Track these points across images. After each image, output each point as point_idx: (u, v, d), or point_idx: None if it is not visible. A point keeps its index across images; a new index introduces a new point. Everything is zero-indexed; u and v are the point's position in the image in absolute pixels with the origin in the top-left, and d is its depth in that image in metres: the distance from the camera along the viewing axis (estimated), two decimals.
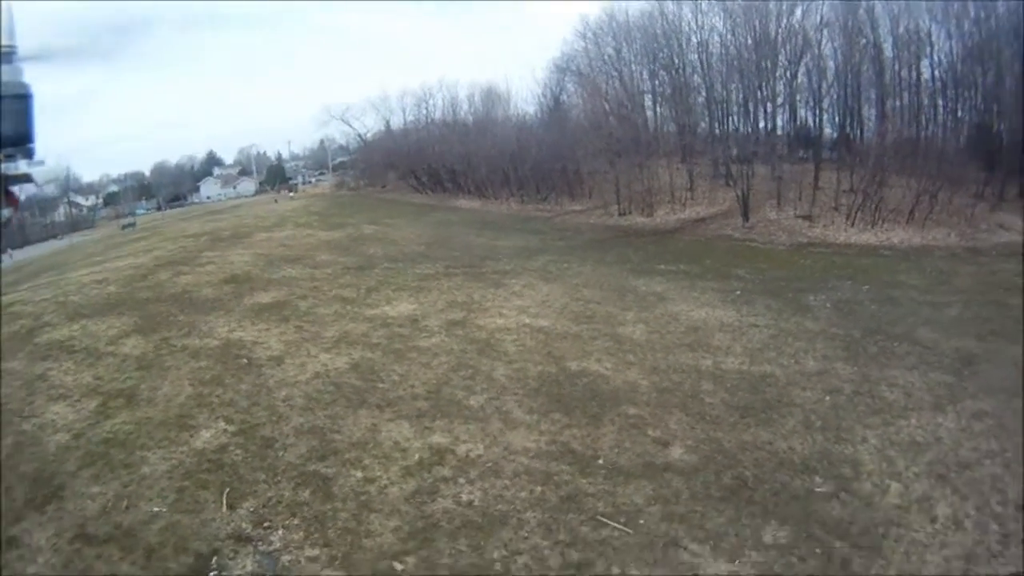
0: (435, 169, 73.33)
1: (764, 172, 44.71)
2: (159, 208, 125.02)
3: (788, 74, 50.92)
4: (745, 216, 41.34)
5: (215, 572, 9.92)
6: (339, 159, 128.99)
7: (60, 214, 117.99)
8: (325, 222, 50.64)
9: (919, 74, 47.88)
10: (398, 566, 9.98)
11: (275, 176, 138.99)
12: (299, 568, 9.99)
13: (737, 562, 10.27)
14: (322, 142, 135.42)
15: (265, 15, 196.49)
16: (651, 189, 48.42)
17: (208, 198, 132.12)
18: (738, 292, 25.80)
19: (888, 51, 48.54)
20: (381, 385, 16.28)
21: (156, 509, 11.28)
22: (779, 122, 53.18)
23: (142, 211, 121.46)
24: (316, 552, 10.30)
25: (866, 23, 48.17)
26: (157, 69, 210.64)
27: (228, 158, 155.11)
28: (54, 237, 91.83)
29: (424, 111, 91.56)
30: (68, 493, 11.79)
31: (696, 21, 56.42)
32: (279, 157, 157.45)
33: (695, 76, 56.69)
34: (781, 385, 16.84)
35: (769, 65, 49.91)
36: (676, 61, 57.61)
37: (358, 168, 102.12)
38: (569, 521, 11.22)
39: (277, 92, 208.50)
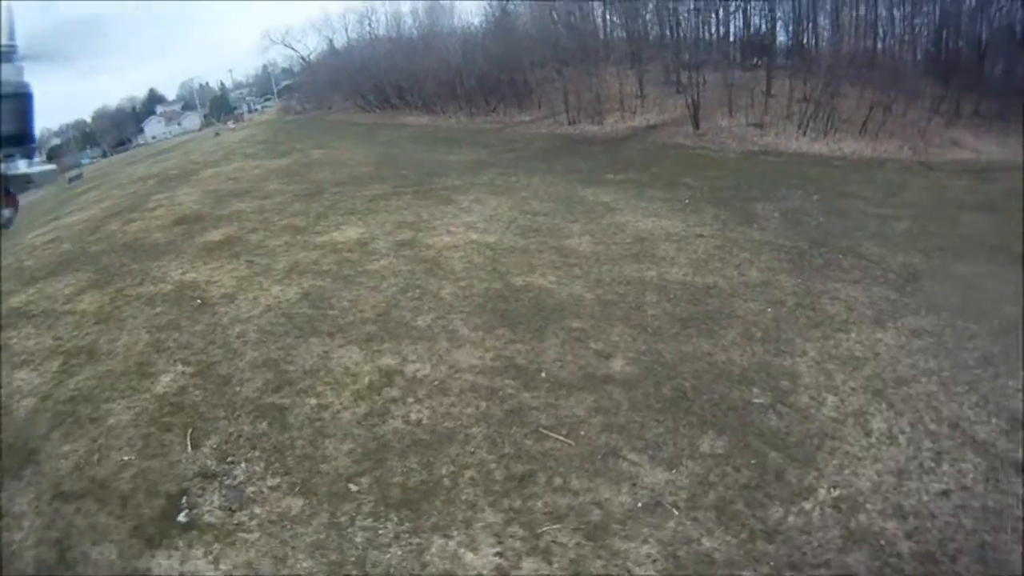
0: (381, 87, 71.18)
1: (716, 80, 44.04)
2: (104, 155, 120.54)
3: None
4: (695, 124, 40.93)
5: (186, 510, 10.39)
6: (284, 83, 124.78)
7: None
8: (272, 150, 49.43)
9: None
10: (353, 487, 10.52)
11: (219, 107, 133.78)
12: (262, 497, 10.52)
13: (674, 471, 10.75)
14: (265, 67, 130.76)
15: None
16: (600, 97, 47.54)
17: (154, 138, 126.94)
18: (686, 201, 25.81)
19: None
20: (331, 312, 16.49)
21: (126, 458, 11.64)
22: (732, 29, 52.78)
23: (88, 160, 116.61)
24: (277, 481, 10.79)
25: None
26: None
27: (170, 94, 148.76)
28: None
29: (367, 28, 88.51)
30: (42, 456, 12.05)
31: None
32: (222, 87, 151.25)
33: None
34: (724, 296, 17.09)
35: None
36: None
37: (303, 92, 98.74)
38: (513, 435, 11.67)
39: (215, 20, 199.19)
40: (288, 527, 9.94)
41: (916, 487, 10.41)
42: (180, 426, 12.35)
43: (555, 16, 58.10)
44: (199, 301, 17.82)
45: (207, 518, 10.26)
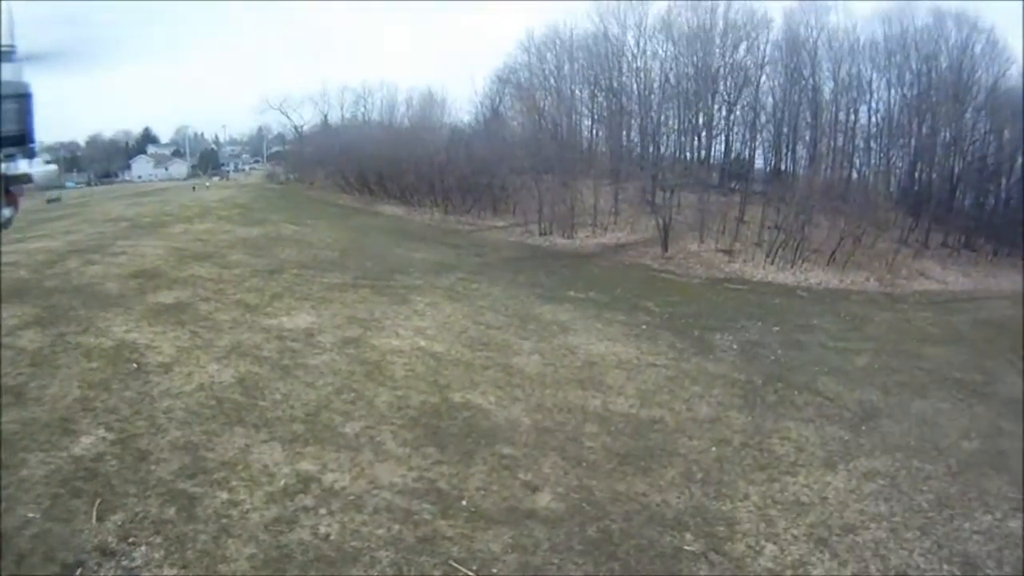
0: (363, 171, 72.15)
1: (692, 201, 45.12)
2: (89, 183, 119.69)
3: (726, 107, 52.72)
4: (664, 246, 41.41)
5: None
6: (275, 148, 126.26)
7: None
8: (246, 217, 49.42)
9: (856, 118, 50.11)
10: None
11: (208, 161, 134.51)
12: None
13: None
14: (260, 129, 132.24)
15: None
16: (575, 210, 48.29)
17: (139, 177, 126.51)
18: (643, 326, 25.69)
19: (827, 94, 50.69)
20: (262, 403, 16.41)
21: (31, 515, 11.37)
22: (713, 153, 54.75)
23: (72, 184, 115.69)
24: (174, 572, 10.58)
25: (807, 65, 50.24)
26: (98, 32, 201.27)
27: (164, 136, 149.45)
28: None
29: (362, 109, 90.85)
30: None
31: (638, 46, 57.74)
32: (216, 140, 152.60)
33: (633, 101, 57.76)
34: (668, 431, 16.81)
35: (709, 97, 51.71)
36: (615, 84, 58.75)
37: (290, 161, 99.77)
38: (422, 564, 11.36)
39: (217, 74, 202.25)
40: None
41: None
42: (90, 494, 12.09)
43: (543, 123, 60.40)
44: (135, 365, 17.66)
45: None
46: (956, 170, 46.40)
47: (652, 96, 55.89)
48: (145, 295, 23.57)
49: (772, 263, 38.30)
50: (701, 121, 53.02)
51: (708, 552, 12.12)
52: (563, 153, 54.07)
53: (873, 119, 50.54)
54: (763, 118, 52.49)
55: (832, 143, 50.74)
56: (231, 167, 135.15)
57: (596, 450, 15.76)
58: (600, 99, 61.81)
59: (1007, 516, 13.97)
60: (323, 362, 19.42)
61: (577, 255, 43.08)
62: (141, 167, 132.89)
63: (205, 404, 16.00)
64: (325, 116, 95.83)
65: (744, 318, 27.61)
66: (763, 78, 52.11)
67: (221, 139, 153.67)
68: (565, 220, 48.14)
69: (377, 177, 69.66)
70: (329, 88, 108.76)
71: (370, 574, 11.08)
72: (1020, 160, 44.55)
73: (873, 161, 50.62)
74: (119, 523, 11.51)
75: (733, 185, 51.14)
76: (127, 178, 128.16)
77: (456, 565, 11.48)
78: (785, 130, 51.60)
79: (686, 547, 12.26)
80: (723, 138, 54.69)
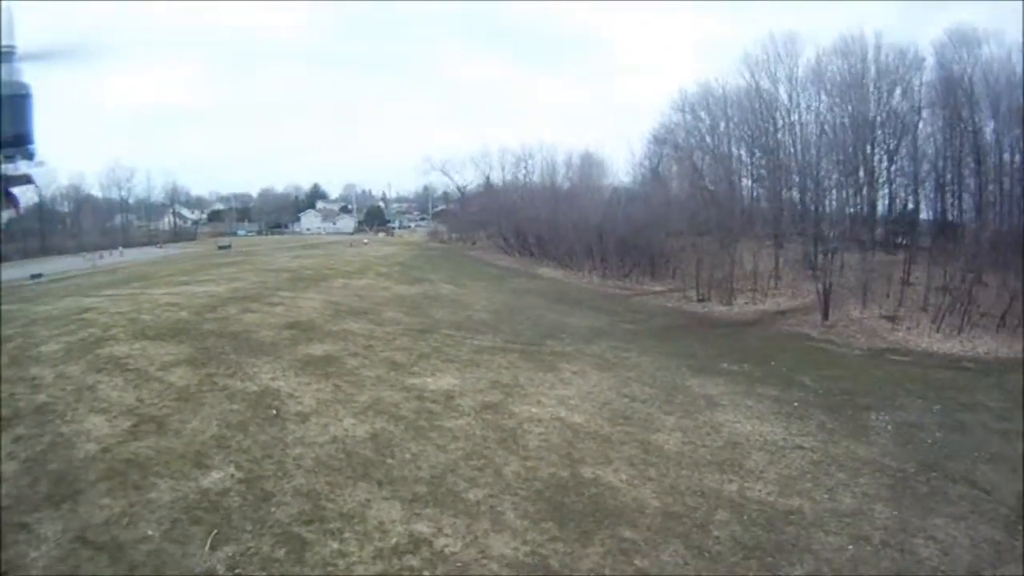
0: (523, 233, 75.50)
1: (855, 261, 43.83)
2: (259, 232, 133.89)
3: (887, 157, 51.31)
4: (825, 313, 40.41)
5: None
6: (440, 207, 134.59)
7: (165, 223, 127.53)
8: (405, 275, 52.87)
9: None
10: None
11: (374, 217, 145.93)
12: None
13: None
14: (425, 188, 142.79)
15: (380, 59, 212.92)
16: (733, 275, 48.10)
17: (307, 230, 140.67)
18: (795, 403, 25.04)
19: (988, 134, 47.55)
20: (390, 461, 17.35)
21: (150, 532, 12.97)
22: (878, 208, 53.21)
23: (243, 232, 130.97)
24: None
25: (965, 104, 47.47)
26: (269, 96, 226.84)
27: (332, 193, 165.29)
28: (155, 244, 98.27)
29: (523, 170, 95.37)
30: (83, 499, 13.74)
31: (791, 99, 57.72)
32: (384, 197, 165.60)
33: (790, 156, 57.37)
34: (804, 524, 16.18)
35: (868, 147, 50.48)
36: (770, 141, 58.81)
37: (452, 221, 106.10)
38: None
39: (384, 134, 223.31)
40: None
41: None
42: (208, 524, 13.47)
43: (701, 184, 60.92)
44: (275, 412, 19.31)
45: None
46: None
47: (809, 151, 55.10)
48: (296, 346, 25.66)
49: (938, 330, 36.19)
50: (862, 174, 51.20)
51: None
52: (721, 214, 54.34)
53: None
54: (925, 166, 50.18)
55: (999, 188, 46.69)
56: (396, 224, 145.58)
57: (723, 540, 15.31)
58: (758, 156, 61.94)
59: None
60: (458, 426, 20.18)
61: (734, 323, 42.63)
62: (309, 220, 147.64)
63: (335, 456, 17.17)
64: (487, 177, 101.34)
65: (903, 395, 26.33)
66: (920, 124, 50.27)
67: (388, 196, 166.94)
68: (723, 285, 47.98)
69: (537, 239, 72.64)
70: (490, 149, 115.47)
71: None
72: None
73: None
74: (230, 554, 12.72)
75: (900, 240, 49.53)
76: (296, 229, 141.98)
77: None
78: (949, 177, 48.81)
79: None
80: (886, 191, 53.17)
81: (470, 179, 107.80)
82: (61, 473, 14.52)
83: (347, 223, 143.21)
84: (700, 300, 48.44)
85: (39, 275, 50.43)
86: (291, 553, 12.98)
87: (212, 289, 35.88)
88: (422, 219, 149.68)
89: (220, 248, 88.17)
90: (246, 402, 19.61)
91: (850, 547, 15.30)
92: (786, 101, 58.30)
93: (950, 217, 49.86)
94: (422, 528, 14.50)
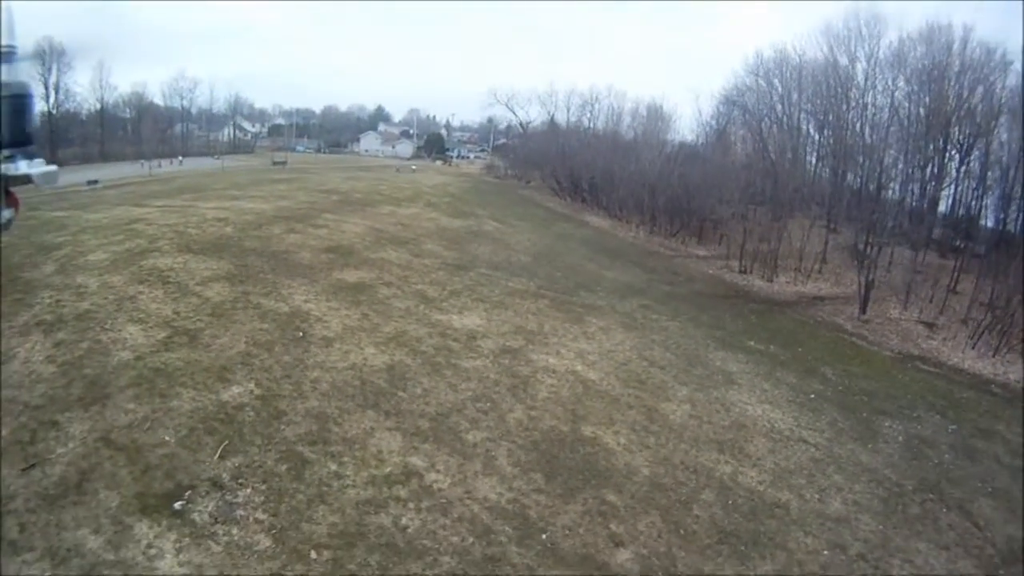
0: (578, 177, 75.33)
1: (906, 258, 42.99)
2: (318, 150, 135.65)
3: (958, 156, 49.83)
4: (863, 307, 39.40)
5: (183, 502, 12.81)
6: (501, 140, 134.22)
7: (225, 134, 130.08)
8: (454, 207, 53.52)
9: None
10: (314, 555, 12.29)
11: (434, 144, 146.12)
12: (244, 524, 12.64)
13: None
14: (489, 120, 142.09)
15: None
16: (779, 252, 47.27)
17: (366, 151, 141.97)
18: (812, 395, 24.73)
19: None
20: (401, 394, 18.44)
21: (167, 438, 14.43)
22: (940, 207, 51.96)
23: (301, 149, 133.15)
24: (263, 517, 12.90)
25: None
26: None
27: (396, 116, 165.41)
28: (213, 155, 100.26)
29: (588, 114, 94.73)
30: (110, 403, 15.25)
31: (867, 80, 56.27)
32: (447, 125, 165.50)
33: (858, 138, 56.04)
34: (787, 520, 16.30)
35: (941, 141, 49.02)
36: (840, 119, 57.35)
37: (509, 157, 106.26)
38: None
39: (456, 61, 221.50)
40: (246, 558, 11.92)
41: None
42: (221, 435, 14.90)
43: (765, 154, 59.77)
44: (301, 334, 20.55)
45: (194, 516, 12.59)
46: None
47: (878, 136, 53.61)
48: (332, 271, 26.81)
49: (973, 347, 34.65)
50: (929, 170, 49.56)
51: None
52: (779, 187, 53.34)
53: None
54: (996, 172, 48.05)
55: None
56: (456, 153, 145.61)
57: (701, 520, 15.66)
58: (826, 133, 60.47)
59: None
60: (474, 367, 21.03)
61: (771, 301, 41.81)
62: (369, 142, 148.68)
63: (350, 383, 18.35)
64: (552, 116, 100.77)
65: (922, 407, 25.61)
66: (996, 128, 47.89)
67: (451, 124, 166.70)
68: (768, 260, 47.14)
69: (590, 185, 72.50)
70: (557, 88, 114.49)
71: (425, 574, 12.45)
72: None
73: None
74: (236, 465, 14.13)
75: (957, 243, 47.88)
76: (355, 150, 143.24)
77: None
78: (1018, 188, 46.07)
79: None
80: (950, 191, 51.75)
81: (534, 116, 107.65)
82: (95, 378, 16.01)
83: (406, 148, 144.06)
84: (742, 271, 47.87)
85: (95, 181, 51.93)
86: (291, 470, 14.28)
87: (260, 207, 37.35)
88: (482, 151, 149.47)
89: (275, 163, 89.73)
90: (276, 322, 20.85)
91: (825, 552, 15.42)
92: (861, 81, 56.81)
93: (1013, 229, 47.46)
94: (416, 461, 15.59)
